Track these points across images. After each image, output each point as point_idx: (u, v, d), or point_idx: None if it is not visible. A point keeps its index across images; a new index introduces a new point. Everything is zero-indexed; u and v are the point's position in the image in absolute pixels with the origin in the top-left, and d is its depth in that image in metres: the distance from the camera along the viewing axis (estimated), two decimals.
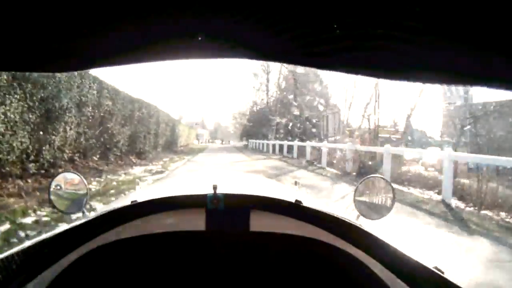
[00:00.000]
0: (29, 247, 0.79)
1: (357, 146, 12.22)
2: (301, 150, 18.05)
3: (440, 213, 5.94)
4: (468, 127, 12.40)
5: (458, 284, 0.71)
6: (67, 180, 1.23)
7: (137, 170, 10.53)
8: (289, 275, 1.01)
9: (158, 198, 0.95)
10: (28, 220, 4.23)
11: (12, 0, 0.30)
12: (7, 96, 5.50)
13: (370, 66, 0.38)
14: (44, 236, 0.84)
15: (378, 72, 0.39)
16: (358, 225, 0.93)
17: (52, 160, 7.04)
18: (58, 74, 6.33)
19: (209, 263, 1.02)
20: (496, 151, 9.65)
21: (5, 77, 5.40)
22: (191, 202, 0.96)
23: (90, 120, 8.94)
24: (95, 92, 9.05)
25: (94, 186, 6.91)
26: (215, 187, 0.94)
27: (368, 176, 1.28)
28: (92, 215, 0.98)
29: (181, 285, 1.02)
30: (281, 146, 22.27)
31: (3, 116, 5.45)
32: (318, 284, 0.99)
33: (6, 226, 3.90)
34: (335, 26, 0.34)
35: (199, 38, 0.35)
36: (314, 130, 28.87)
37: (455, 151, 8.76)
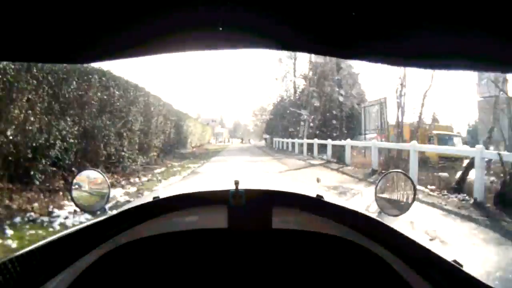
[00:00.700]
0: (51, 243, 0.78)
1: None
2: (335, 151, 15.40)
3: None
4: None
5: (477, 277, 0.70)
6: (90, 179, 1.20)
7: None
8: (312, 273, 0.99)
9: (181, 194, 0.97)
10: None
11: (41, 2, 0.32)
12: None
13: (389, 53, 0.38)
14: (65, 232, 0.83)
15: (398, 60, 0.39)
16: (379, 220, 0.90)
17: None
18: None
19: (232, 261, 1.01)
20: None
21: None
22: (213, 198, 0.96)
23: None
24: None
25: None
26: (237, 183, 0.93)
27: (388, 171, 1.24)
28: (114, 212, 0.96)
29: (204, 284, 1.00)
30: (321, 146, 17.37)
31: None
32: (340, 282, 0.98)
33: None
34: (354, 14, 0.33)
35: (220, 28, 0.35)
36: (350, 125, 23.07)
37: (487, 148, 7.61)
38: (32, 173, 5.38)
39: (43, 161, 5.55)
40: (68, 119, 6.25)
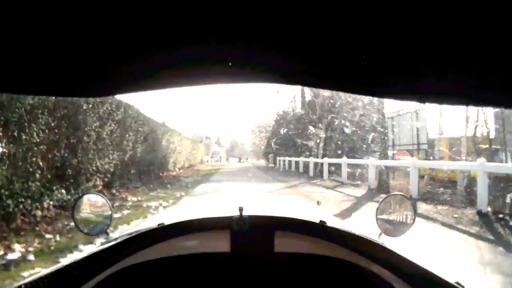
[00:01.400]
0: (57, 271, 0.79)
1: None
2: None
3: None
4: None
5: None
6: (91, 202, 1.20)
7: None
8: None
9: (185, 221, 0.99)
10: None
11: (51, 31, 0.31)
12: None
13: (390, 91, 0.39)
14: (71, 259, 0.84)
15: (414, 97, 0.42)
16: (381, 243, 0.92)
17: None
18: None
19: (235, 284, 1.02)
20: None
21: None
22: (217, 224, 0.99)
23: None
24: None
25: None
26: (241, 209, 0.95)
27: (388, 194, 1.26)
28: (116, 236, 0.99)
29: None
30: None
31: None
32: None
33: None
34: (364, 56, 0.34)
35: (229, 64, 0.36)
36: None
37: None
38: None
39: None
40: None
